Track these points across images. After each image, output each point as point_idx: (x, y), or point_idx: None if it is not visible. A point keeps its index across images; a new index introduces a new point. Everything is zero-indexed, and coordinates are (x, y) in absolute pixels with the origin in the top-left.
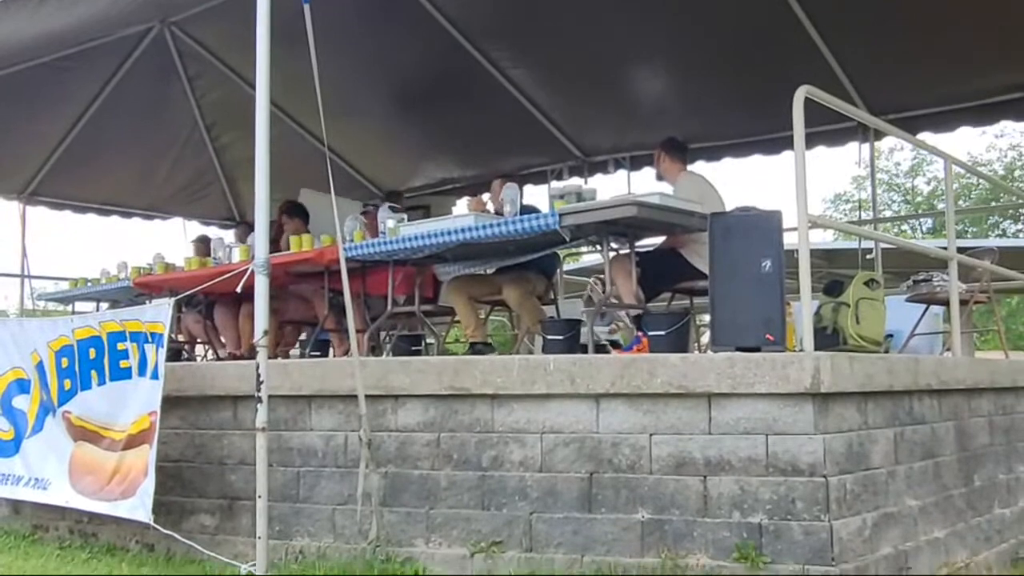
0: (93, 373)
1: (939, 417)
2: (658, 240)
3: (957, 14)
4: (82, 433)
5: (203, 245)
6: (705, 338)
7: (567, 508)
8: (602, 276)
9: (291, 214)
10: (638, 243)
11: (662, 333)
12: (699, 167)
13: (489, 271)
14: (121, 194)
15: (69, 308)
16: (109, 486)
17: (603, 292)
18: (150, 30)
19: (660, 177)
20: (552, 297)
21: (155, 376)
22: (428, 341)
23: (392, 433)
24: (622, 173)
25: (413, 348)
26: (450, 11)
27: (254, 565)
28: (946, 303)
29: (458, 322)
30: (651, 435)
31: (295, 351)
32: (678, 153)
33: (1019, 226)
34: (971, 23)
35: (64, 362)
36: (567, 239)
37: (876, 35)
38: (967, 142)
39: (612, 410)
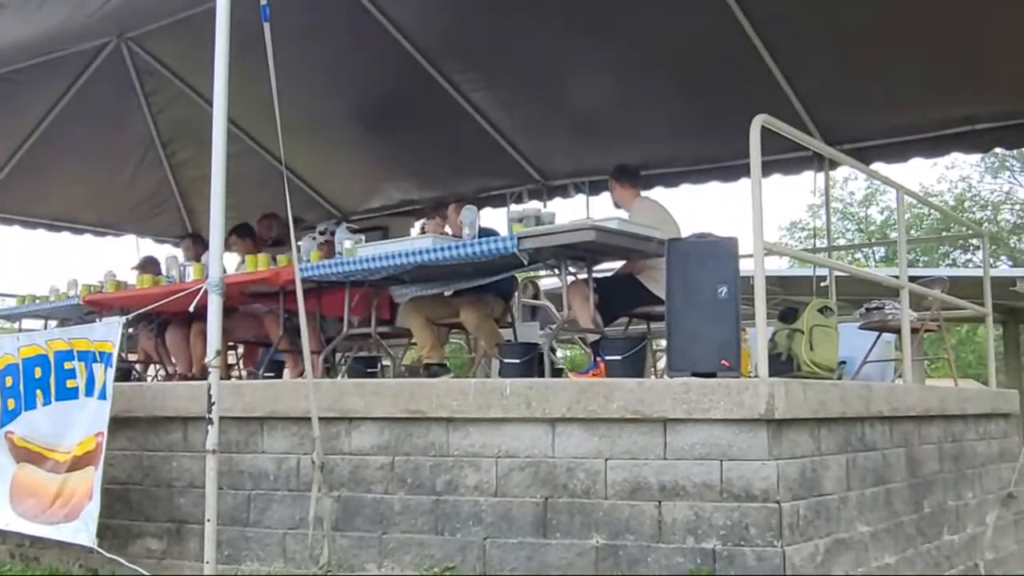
0: (38, 393)
1: (890, 444)
2: (616, 265)
3: (910, 49)
4: (25, 454)
5: (142, 269)
6: (661, 363)
7: (521, 533)
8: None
9: (241, 235)
10: (596, 268)
11: (619, 358)
12: (657, 193)
13: (447, 293)
14: (73, 210)
15: (16, 326)
16: (52, 509)
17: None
18: (106, 45)
19: (617, 205)
20: (509, 320)
21: (103, 396)
22: (384, 363)
23: (346, 456)
24: (581, 197)
25: (369, 370)
26: (411, 33)
27: None
28: (898, 331)
29: (415, 344)
30: (606, 460)
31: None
32: (628, 179)
33: (969, 256)
34: (924, 58)
35: (8, 381)
36: (525, 263)
37: (831, 66)
38: (919, 173)
39: (568, 435)
